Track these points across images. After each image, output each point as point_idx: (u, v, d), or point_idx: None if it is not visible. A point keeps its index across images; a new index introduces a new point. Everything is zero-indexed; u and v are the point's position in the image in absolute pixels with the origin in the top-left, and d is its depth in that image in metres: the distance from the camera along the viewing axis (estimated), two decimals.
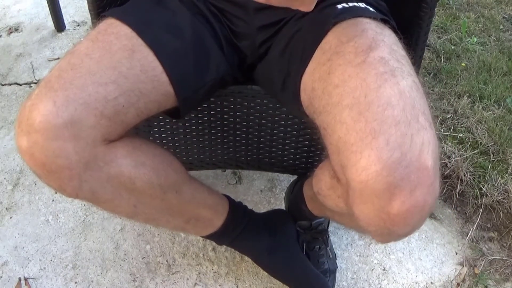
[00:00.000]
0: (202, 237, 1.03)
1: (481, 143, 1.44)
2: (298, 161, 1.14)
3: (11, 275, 1.18)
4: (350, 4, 0.78)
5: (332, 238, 1.23)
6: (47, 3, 1.82)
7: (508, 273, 1.20)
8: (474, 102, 1.59)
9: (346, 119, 0.64)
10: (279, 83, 0.85)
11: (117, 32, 0.78)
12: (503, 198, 1.30)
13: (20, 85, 1.69)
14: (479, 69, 1.74)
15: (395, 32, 0.75)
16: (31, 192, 1.36)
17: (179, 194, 0.87)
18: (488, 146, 1.43)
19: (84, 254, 1.22)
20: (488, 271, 1.20)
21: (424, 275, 1.19)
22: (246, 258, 1.17)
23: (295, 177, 1.21)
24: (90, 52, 0.74)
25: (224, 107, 1.00)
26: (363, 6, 0.78)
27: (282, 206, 1.26)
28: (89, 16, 0.95)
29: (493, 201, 1.30)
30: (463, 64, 1.76)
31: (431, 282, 1.18)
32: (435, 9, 0.95)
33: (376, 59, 0.66)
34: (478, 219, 1.30)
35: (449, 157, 1.39)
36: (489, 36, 1.94)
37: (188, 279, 1.17)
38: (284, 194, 1.25)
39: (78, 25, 1.97)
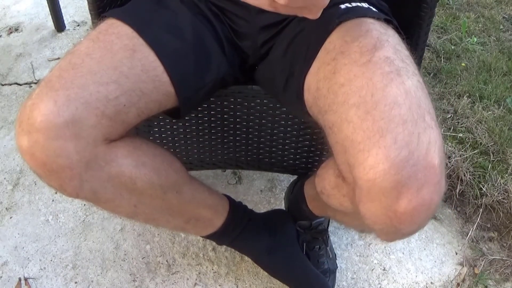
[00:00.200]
0: (202, 237, 1.03)
1: (481, 143, 1.44)
2: (298, 161, 1.14)
3: (11, 275, 1.18)
4: (353, 4, 0.78)
5: (332, 238, 1.23)
6: (47, 3, 1.82)
7: (508, 273, 1.20)
8: (474, 102, 1.60)
9: (353, 118, 0.64)
10: (281, 83, 0.85)
11: (118, 32, 0.78)
12: (503, 198, 1.30)
13: (20, 85, 1.69)
14: (479, 69, 1.74)
15: (398, 32, 0.76)
16: (31, 192, 1.36)
17: (179, 194, 0.87)
18: (488, 146, 1.43)
19: (84, 254, 1.22)
20: (488, 271, 1.20)
21: (424, 275, 1.19)
22: (246, 258, 1.17)
23: (295, 177, 1.21)
24: (91, 52, 0.74)
25: (224, 107, 1.00)
26: (366, 6, 0.79)
27: (282, 206, 1.27)
28: (89, 16, 0.95)
29: (493, 201, 1.30)
30: (463, 64, 1.76)
31: (431, 282, 1.18)
32: (435, 9, 0.95)
33: (381, 59, 0.67)
34: (478, 219, 1.30)
35: (449, 157, 1.39)
36: (489, 36, 1.94)
37: (188, 279, 1.17)
38: (284, 194, 1.25)
39: (78, 25, 1.97)
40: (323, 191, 0.84)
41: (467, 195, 1.34)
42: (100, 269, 1.19)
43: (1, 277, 1.17)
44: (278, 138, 1.07)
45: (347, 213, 0.81)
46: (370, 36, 0.71)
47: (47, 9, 1.86)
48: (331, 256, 1.16)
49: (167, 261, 1.20)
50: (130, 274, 1.18)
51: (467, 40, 1.89)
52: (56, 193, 1.34)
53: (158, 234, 1.26)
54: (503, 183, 1.32)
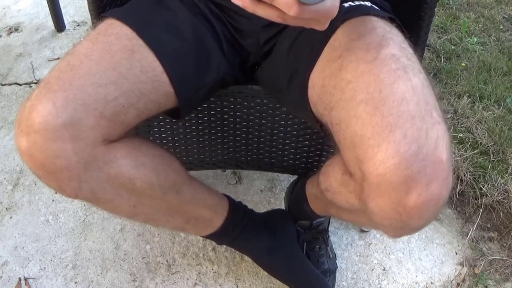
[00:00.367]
0: (202, 237, 1.03)
1: (481, 143, 1.44)
2: (298, 161, 1.14)
3: (11, 275, 1.18)
4: (357, 2, 0.79)
5: (332, 238, 1.23)
6: (47, 3, 1.82)
7: (508, 273, 1.20)
8: (474, 102, 1.59)
9: (362, 114, 0.65)
10: (285, 81, 0.85)
11: (117, 32, 0.78)
12: (503, 198, 1.30)
13: (20, 85, 1.69)
14: (479, 69, 1.74)
15: (402, 31, 0.76)
16: (31, 192, 1.36)
17: (179, 194, 0.87)
18: (488, 146, 1.43)
19: (84, 254, 1.22)
20: (488, 271, 1.20)
21: (424, 275, 1.19)
22: (246, 258, 1.17)
23: (295, 177, 1.21)
24: (89, 53, 0.74)
25: (224, 107, 1.00)
26: (369, 5, 0.79)
27: (282, 206, 1.26)
28: (89, 16, 0.95)
29: (493, 201, 1.30)
30: (463, 64, 1.76)
31: (431, 282, 1.18)
32: (435, 9, 0.95)
33: (388, 56, 0.67)
34: (478, 219, 1.30)
35: None
36: (489, 36, 1.94)
37: (188, 279, 1.17)
38: (284, 194, 1.25)
39: (78, 25, 1.97)
40: (329, 189, 0.84)
41: (467, 195, 1.34)
42: (100, 269, 1.19)
43: (1, 277, 1.17)
44: (278, 138, 1.07)
45: (352, 210, 0.81)
46: (375, 33, 0.71)
47: (47, 9, 1.86)
48: (331, 256, 1.16)
49: (167, 261, 1.20)
50: (130, 274, 1.18)
51: (467, 40, 1.89)
52: (56, 193, 1.34)
53: (158, 234, 1.26)
54: (503, 183, 1.32)
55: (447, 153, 0.62)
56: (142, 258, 1.21)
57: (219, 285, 1.16)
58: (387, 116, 0.63)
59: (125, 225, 1.27)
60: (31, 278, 1.17)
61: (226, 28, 0.90)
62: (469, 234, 1.27)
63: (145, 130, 1.07)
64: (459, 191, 1.34)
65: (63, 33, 1.93)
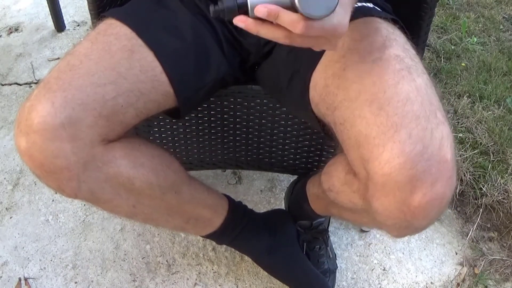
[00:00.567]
0: (202, 236, 1.03)
1: (481, 143, 1.44)
2: (298, 161, 1.14)
3: (11, 275, 1.18)
4: (359, 4, 0.79)
5: (332, 238, 1.23)
6: (47, 3, 1.82)
7: (508, 273, 1.20)
8: (474, 102, 1.59)
9: (366, 114, 0.65)
10: (285, 81, 0.85)
11: (116, 32, 0.78)
12: (503, 198, 1.30)
13: (20, 85, 1.69)
14: (479, 69, 1.74)
15: (404, 32, 0.76)
16: (31, 192, 1.36)
17: (178, 194, 0.87)
18: (488, 146, 1.43)
19: (84, 254, 1.22)
20: (488, 271, 1.20)
21: (424, 275, 1.19)
22: (246, 258, 1.17)
23: (295, 177, 1.21)
24: (89, 53, 0.74)
25: (224, 107, 1.00)
26: (371, 6, 0.79)
27: (282, 206, 1.26)
28: (89, 16, 0.95)
29: (493, 201, 1.30)
30: (463, 64, 1.76)
31: (431, 282, 1.18)
32: (435, 9, 0.95)
33: (391, 57, 0.68)
34: (478, 219, 1.30)
35: None
36: (489, 36, 1.94)
37: (188, 279, 1.17)
38: (284, 194, 1.25)
39: (78, 25, 1.97)
40: (332, 188, 0.84)
41: (467, 195, 1.34)
42: (100, 269, 1.19)
43: (1, 277, 1.17)
44: (278, 138, 1.07)
45: (355, 210, 0.82)
46: (379, 34, 0.72)
47: (47, 9, 1.86)
48: (331, 256, 1.16)
49: (167, 261, 1.20)
50: (130, 274, 1.18)
51: (467, 40, 1.88)
52: (56, 193, 1.34)
53: (158, 234, 1.26)
54: (503, 183, 1.32)
55: (451, 153, 0.63)
56: (142, 258, 1.21)
57: (219, 285, 1.16)
58: (392, 116, 0.63)
59: (125, 225, 1.27)
60: (31, 278, 1.17)
61: (227, 28, 0.89)
62: (469, 234, 1.27)
63: (145, 130, 1.07)
64: (459, 191, 1.34)
65: (63, 33, 1.93)
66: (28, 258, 1.21)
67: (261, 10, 0.55)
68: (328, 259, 1.15)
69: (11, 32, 1.94)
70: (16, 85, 1.69)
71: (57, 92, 0.68)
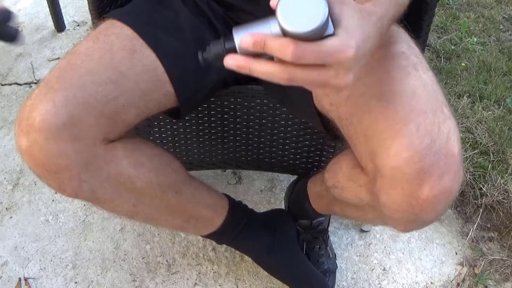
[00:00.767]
0: (202, 236, 1.03)
1: (481, 143, 1.44)
2: (298, 161, 1.14)
3: (11, 275, 1.18)
4: None
5: (332, 238, 1.23)
6: (47, 3, 1.81)
7: (508, 273, 1.20)
8: (474, 102, 1.59)
9: (374, 108, 0.66)
10: None
11: (118, 32, 0.78)
12: (503, 198, 1.30)
13: (20, 85, 1.69)
14: (479, 69, 1.74)
15: (407, 32, 0.77)
16: (31, 192, 1.36)
17: (178, 194, 0.87)
18: (488, 146, 1.43)
19: (84, 254, 1.22)
20: (488, 271, 1.20)
21: (424, 275, 1.19)
22: (246, 258, 1.17)
23: (295, 177, 1.21)
24: (90, 52, 0.74)
25: (224, 107, 1.00)
26: None
27: (282, 206, 1.26)
28: (89, 16, 0.95)
29: (493, 201, 1.30)
30: (463, 64, 1.76)
31: (431, 282, 1.18)
32: (435, 9, 0.95)
33: (397, 53, 0.69)
34: (478, 219, 1.30)
35: None
36: (489, 36, 1.94)
37: (188, 279, 1.17)
38: (284, 194, 1.25)
39: (78, 25, 1.97)
40: (336, 185, 0.84)
41: (467, 195, 1.34)
42: (100, 269, 1.19)
43: (1, 277, 1.17)
44: (278, 138, 1.07)
45: (360, 206, 0.82)
46: None
47: (47, 9, 1.86)
48: (331, 256, 1.16)
49: (167, 261, 1.20)
50: (130, 274, 1.18)
51: (467, 40, 1.88)
52: (56, 193, 1.34)
53: (158, 234, 1.26)
54: (503, 183, 1.32)
55: (458, 147, 0.64)
56: (142, 258, 1.21)
57: (219, 285, 1.16)
58: (400, 110, 0.64)
59: (125, 225, 1.27)
60: (31, 278, 1.17)
61: (228, 28, 0.89)
62: (469, 234, 1.27)
63: (145, 130, 1.07)
64: (459, 191, 1.34)
65: (63, 33, 1.93)
66: (28, 258, 1.21)
67: (246, 40, 0.50)
68: (328, 259, 1.15)
69: None
70: (16, 85, 1.69)
71: (58, 91, 0.68)
